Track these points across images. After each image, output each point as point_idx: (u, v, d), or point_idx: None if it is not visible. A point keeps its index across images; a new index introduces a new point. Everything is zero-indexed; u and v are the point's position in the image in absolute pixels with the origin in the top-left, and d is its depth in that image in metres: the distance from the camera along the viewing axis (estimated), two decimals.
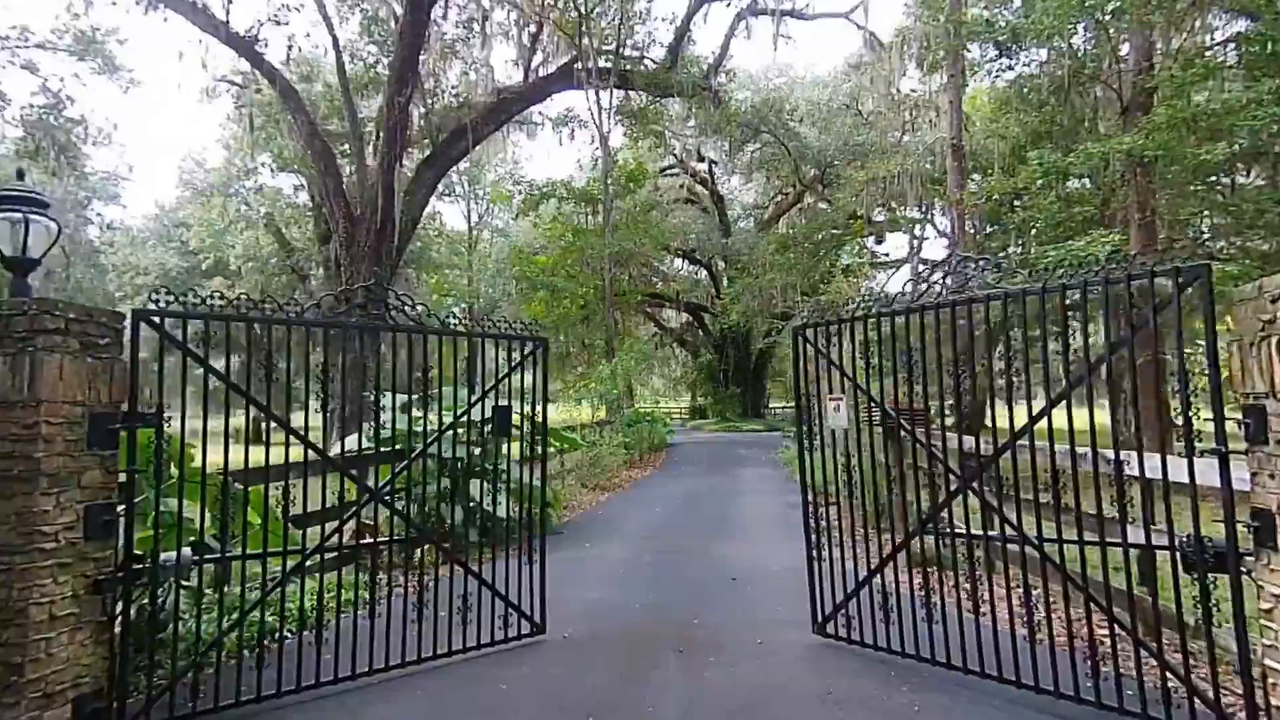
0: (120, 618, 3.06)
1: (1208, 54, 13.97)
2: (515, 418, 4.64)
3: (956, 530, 3.82)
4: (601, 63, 20.31)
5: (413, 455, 4.05)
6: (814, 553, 4.46)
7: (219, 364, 3.55)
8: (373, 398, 3.77)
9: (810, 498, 4.51)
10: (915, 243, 27.98)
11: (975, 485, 3.66)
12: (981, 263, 3.53)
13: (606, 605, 5.12)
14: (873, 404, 4.11)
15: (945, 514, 4.36)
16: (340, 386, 13.69)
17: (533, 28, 20.52)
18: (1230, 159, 11.93)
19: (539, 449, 4.62)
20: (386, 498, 4.49)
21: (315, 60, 21.65)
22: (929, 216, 26.47)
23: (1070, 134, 16.89)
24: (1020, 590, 3.49)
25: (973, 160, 19.01)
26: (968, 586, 3.64)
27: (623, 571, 6.18)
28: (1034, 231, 18.64)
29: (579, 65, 19.93)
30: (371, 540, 3.81)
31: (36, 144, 21.17)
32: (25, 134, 21.05)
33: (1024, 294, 3.28)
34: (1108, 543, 2.99)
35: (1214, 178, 15.81)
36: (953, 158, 17.01)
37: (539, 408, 4.59)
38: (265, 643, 3.43)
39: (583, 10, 19.63)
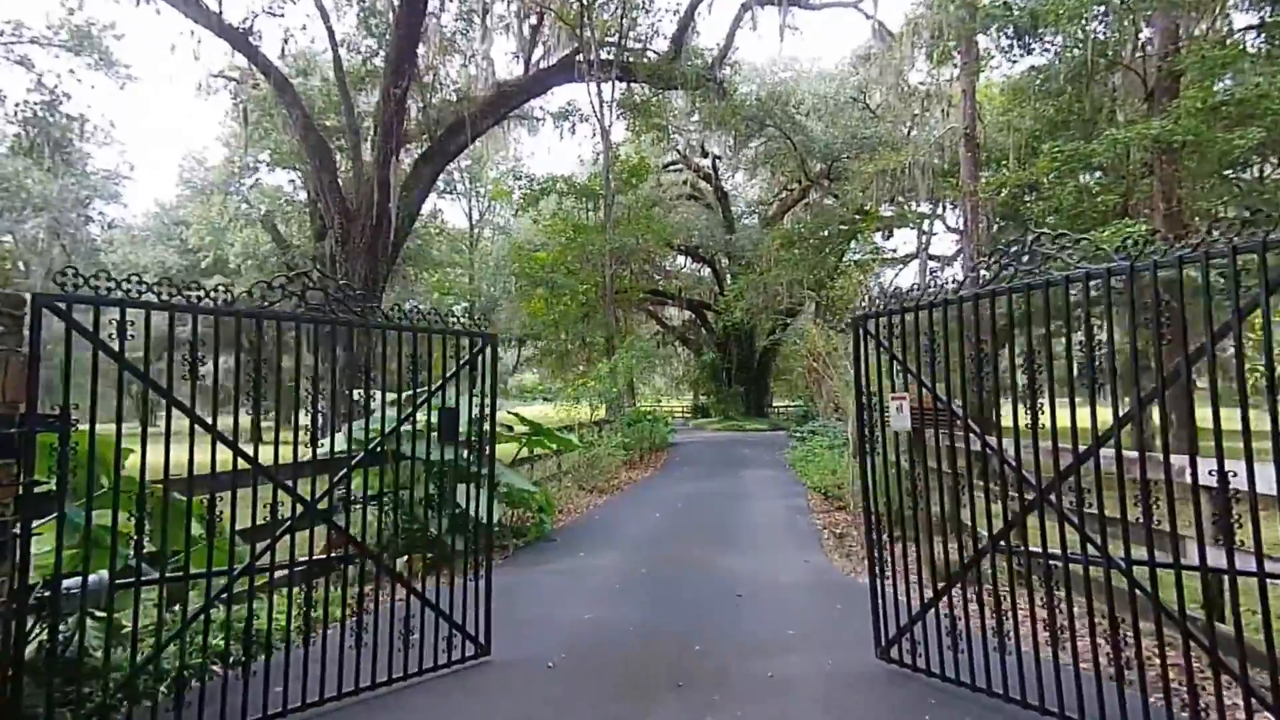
0: (13, 656, 2.59)
1: (1229, 41, 13.42)
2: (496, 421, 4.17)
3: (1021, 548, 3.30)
4: (603, 55, 19.84)
5: (351, 463, 3.55)
6: (877, 569, 3.98)
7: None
8: (310, 395, 3.27)
9: (873, 507, 4.03)
10: (924, 239, 27.42)
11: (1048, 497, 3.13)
12: (1059, 241, 3.03)
13: (596, 627, 4.63)
14: (939, 403, 3.62)
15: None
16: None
17: (533, 19, 20.06)
18: (1261, 145, 11.36)
19: (495, 453, 4.27)
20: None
21: (312, 55, 21.26)
22: (937, 212, 25.91)
23: (1089, 124, 16.31)
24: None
25: (984, 153, 18.43)
26: (1045, 615, 3.11)
27: (617, 586, 5.69)
28: (1048, 225, 18.08)
29: (580, 57, 19.46)
30: (307, 559, 3.32)
31: (31, 141, 20.84)
32: (20, 130, 20.72)
33: (1109, 273, 2.78)
34: (1210, 569, 2.49)
35: (1237, 167, 15.23)
36: (966, 148, 16.47)
37: (488, 409, 4.24)
38: (189, 678, 2.94)
39: (585, 1, 19.16)
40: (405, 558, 6.12)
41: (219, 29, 15.42)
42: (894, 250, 28.79)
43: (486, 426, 4.25)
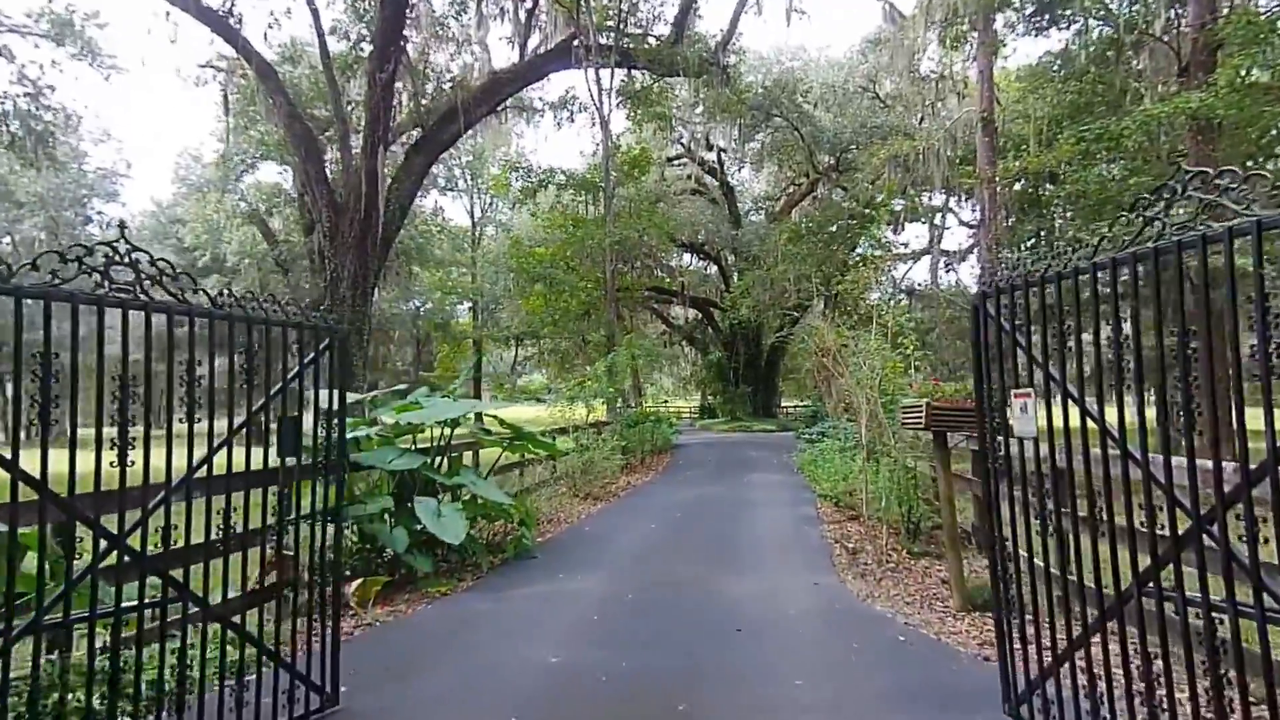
0: None
1: (1264, 17, 12.49)
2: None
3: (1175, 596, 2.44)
4: (602, 40, 19.04)
5: (170, 487, 2.73)
6: (1003, 609, 3.17)
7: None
8: (120, 399, 2.44)
9: (999, 532, 3.22)
10: (937, 232, 26.54)
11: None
12: (1225, 178, 2.15)
13: (561, 676, 3.83)
14: (1070, 401, 2.75)
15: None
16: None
17: (529, 3, 19.30)
18: None
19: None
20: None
21: (300, 44, 20.60)
22: (950, 205, 24.99)
23: (1113, 108, 15.39)
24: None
25: (1001, 139, 17.51)
26: (1209, 687, 2.21)
27: (596, 616, 4.89)
28: (1070, 215, 17.16)
29: (578, 43, 18.68)
30: (115, 608, 2.47)
31: (13, 135, 20.26)
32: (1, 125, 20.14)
33: None
34: None
35: (1262, 157, 14.28)
36: (983, 133, 15.57)
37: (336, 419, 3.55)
38: None
39: None
40: (359, 582, 5.38)
41: (197, 11, 14.73)
42: (905, 244, 27.91)
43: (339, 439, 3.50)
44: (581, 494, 10.89)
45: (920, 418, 5.21)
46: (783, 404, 35.55)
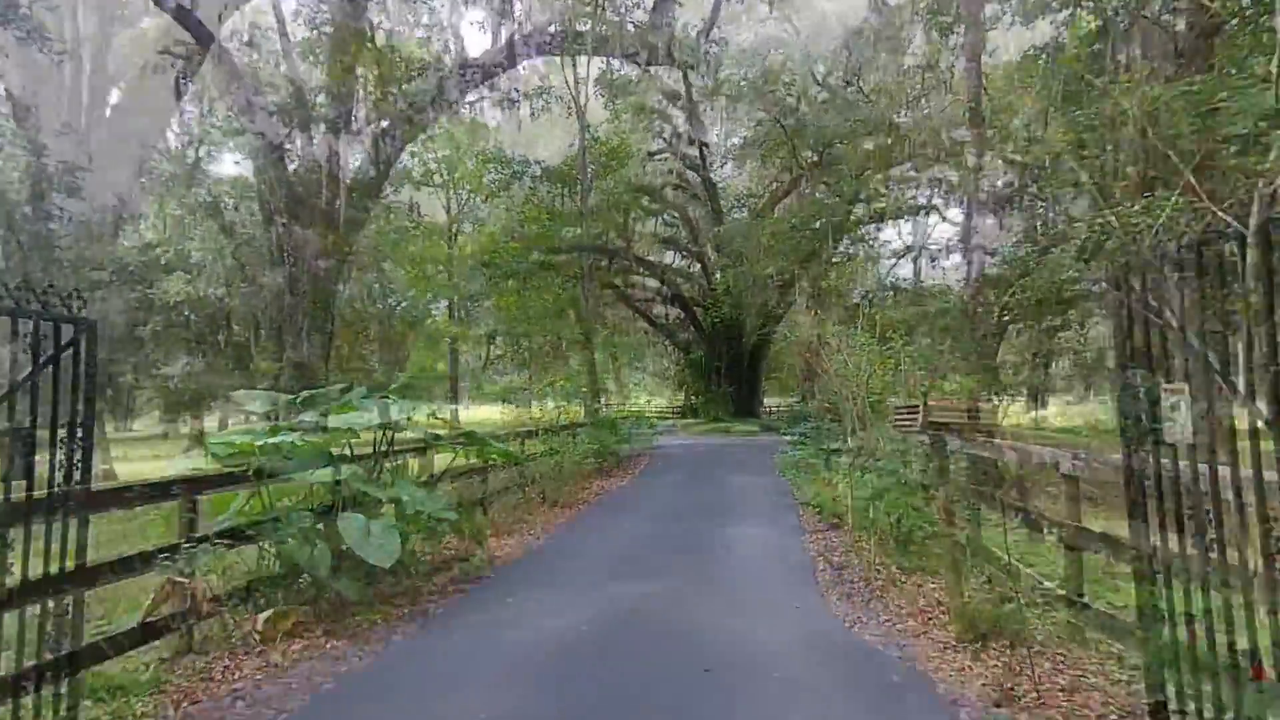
0: None
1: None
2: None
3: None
4: (579, 27, 18.35)
5: None
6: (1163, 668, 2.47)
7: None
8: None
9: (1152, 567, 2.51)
10: (920, 229, 26.17)
11: None
12: None
13: None
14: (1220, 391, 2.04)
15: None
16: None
17: None
18: None
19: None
20: None
21: (260, 27, 19.62)
22: (932, 201, 24.57)
23: (1104, 97, 14.96)
24: None
25: (990, 129, 17.05)
26: None
27: (543, 655, 4.19)
28: (1064, 204, 16.74)
29: (555, 29, 17.98)
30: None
31: None
32: None
33: None
34: None
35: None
36: (971, 124, 15.04)
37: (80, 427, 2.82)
38: None
39: None
40: (268, 615, 4.63)
41: None
42: (889, 241, 27.50)
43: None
44: (549, 501, 10.17)
45: (915, 419, 4.59)
46: (765, 404, 34.99)
